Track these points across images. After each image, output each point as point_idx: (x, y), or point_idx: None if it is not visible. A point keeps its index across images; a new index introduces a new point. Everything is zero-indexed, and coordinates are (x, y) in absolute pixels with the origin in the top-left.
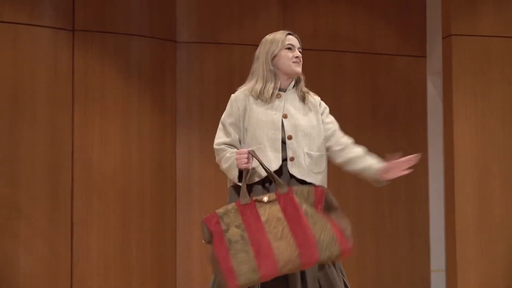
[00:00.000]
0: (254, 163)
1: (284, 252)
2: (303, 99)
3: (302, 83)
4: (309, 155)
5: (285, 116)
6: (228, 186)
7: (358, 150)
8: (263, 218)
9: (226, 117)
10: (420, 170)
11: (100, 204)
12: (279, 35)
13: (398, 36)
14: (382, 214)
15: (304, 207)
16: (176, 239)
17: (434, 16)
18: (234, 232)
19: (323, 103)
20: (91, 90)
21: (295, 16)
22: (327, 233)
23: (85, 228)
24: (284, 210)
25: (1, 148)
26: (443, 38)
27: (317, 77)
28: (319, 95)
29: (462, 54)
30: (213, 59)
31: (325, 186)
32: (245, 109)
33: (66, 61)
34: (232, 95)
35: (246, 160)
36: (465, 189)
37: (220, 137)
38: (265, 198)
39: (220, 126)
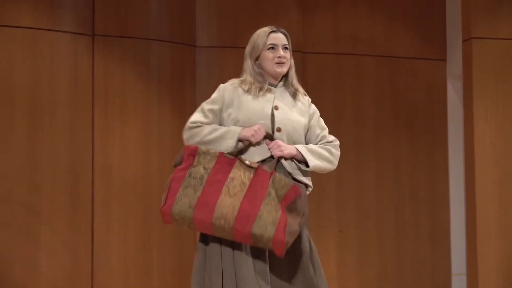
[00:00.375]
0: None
1: (224, 207)
2: (293, 96)
3: (293, 80)
4: None
5: (276, 108)
6: None
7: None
8: (231, 175)
9: (207, 103)
10: (441, 174)
11: (121, 208)
12: (262, 34)
13: (418, 40)
14: (403, 217)
15: (272, 192)
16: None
17: (454, 19)
18: (198, 171)
19: (313, 106)
20: (111, 95)
21: (315, 20)
22: (272, 216)
23: (105, 233)
24: (253, 180)
25: (21, 153)
26: (464, 41)
27: (338, 81)
28: (339, 99)
29: (482, 57)
30: (233, 63)
31: (309, 183)
32: (232, 100)
33: (86, 66)
34: (221, 85)
35: (259, 137)
36: (486, 192)
37: (196, 117)
38: (248, 162)
39: (198, 109)
